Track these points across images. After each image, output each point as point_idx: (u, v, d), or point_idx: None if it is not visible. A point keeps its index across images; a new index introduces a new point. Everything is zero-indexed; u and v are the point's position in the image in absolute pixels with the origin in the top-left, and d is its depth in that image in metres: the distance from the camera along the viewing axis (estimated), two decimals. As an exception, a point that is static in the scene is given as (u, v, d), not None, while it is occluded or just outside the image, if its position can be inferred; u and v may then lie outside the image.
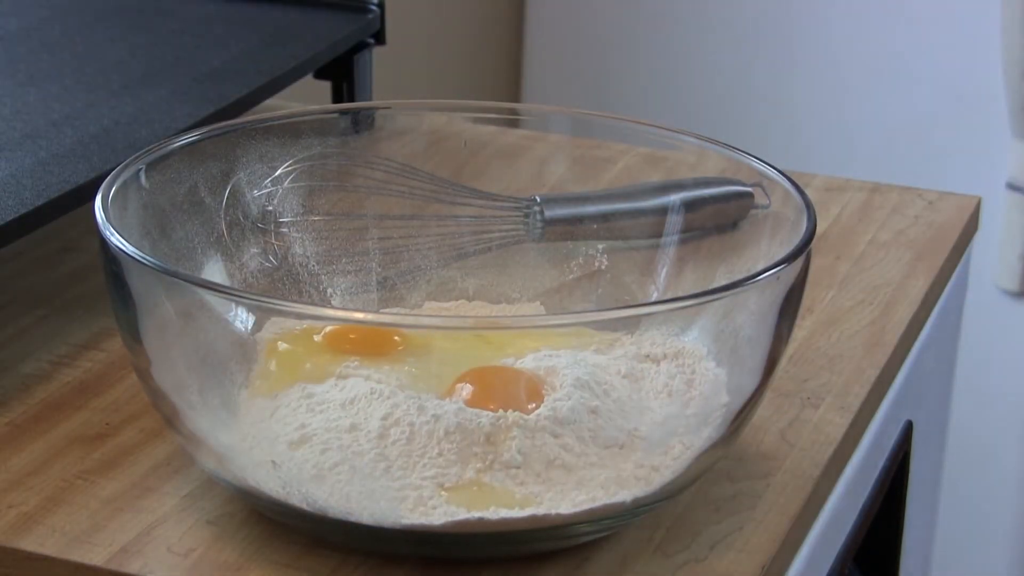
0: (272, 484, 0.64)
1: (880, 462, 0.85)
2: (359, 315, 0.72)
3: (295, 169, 0.78)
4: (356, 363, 0.68)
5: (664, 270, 0.77)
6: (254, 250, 0.77)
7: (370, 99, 1.03)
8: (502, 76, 1.87)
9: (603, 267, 0.79)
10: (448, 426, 0.63)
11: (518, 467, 0.63)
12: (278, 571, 0.64)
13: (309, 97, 1.04)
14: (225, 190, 0.76)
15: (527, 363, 0.69)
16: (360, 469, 0.63)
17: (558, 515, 0.63)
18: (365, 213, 0.80)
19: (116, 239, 0.64)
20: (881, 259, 0.91)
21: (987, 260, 1.61)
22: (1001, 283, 1.64)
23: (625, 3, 1.79)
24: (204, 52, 0.96)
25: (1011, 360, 1.66)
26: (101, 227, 0.65)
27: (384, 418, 0.64)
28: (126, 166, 0.70)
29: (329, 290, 0.78)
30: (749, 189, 0.79)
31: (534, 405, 0.65)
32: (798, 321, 0.71)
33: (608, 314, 0.75)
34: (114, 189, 0.68)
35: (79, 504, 0.67)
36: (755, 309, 0.66)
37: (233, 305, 0.69)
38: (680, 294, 0.75)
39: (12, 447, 0.71)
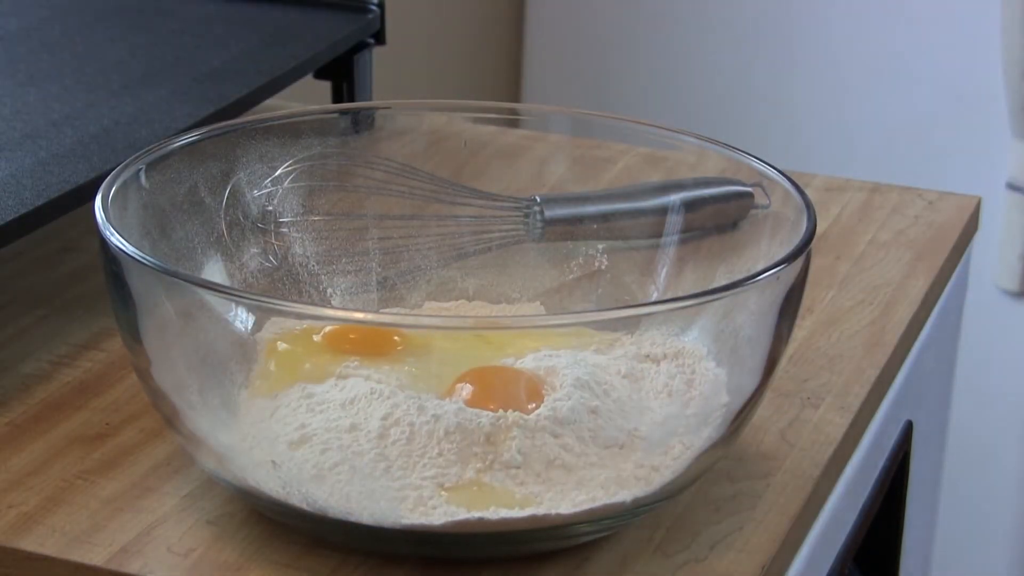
0: (272, 484, 0.64)
1: (880, 462, 0.85)
2: (359, 315, 0.72)
3: (295, 169, 0.78)
4: (356, 363, 0.68)
5: (664, 270, 0.77)
6: (254, 250, 0.77)
7: (370, 99, 1.03)
8: (502, 76, 1.87)
9: (603, 267, 0.79)
10: (448, 426, 0.63)
11: (518, 467, 0.63)
12: (278, 571, 0.64)
13: (309, 97, 1.04)
14: (225, 190, 0.76)
15: (527, 363, 0.69)
16: (360, 469, 0.63)
17: (558, 515, 0.63)
18: (365, 213, 0.80)
19: (116, 239, 0.64)
20: (881, 259, 0.91)
21: (987, 260, 1.61)
22: (1001, 283, 1.64)
23: (625, 3, 1.79)
24: (204, 52, 0.96)
25: (1011, 360, 1.66)
26: (101, 227, 0.65)
27: (384, 418, 0.64)
28: (126, 166, 0.71)
29: (329, 290, 0.78)
30: (749, 189, 0.79)
31: (534, 405, 0.65)
32: (798, 321, 0.71)
33: (608, 314, 0.75)
34: (114, 189, 0.68)
35: (79, 504, 0.67)
36: (755, 309, 0.66)
37: (233, 305, 0.69)
38: (680, 294, 0.75)
39: (12, 447, 0.71)
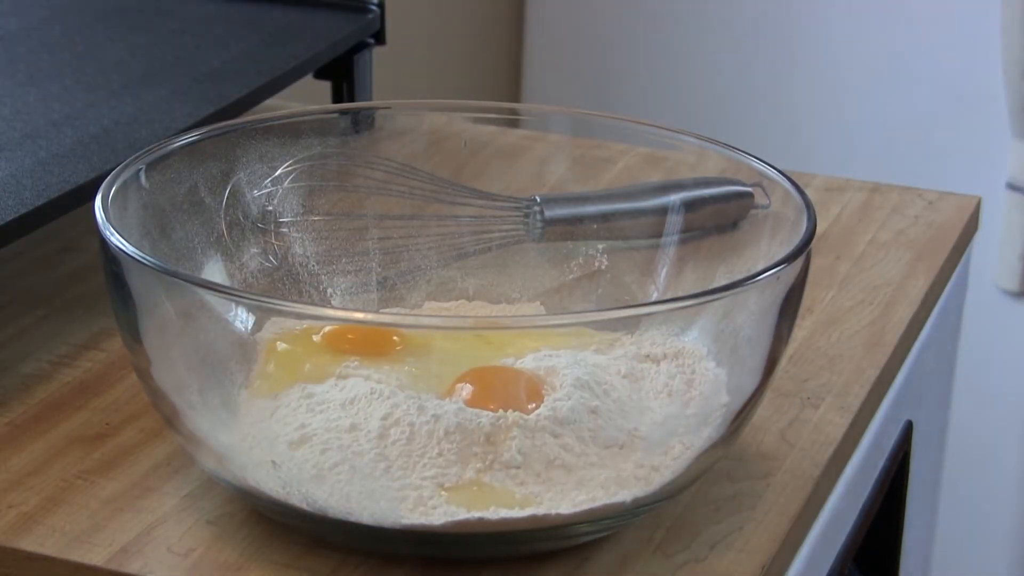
0: (272, 484, 0.64)
1: (880, 462, 0.85)
2: (359, 315, 0.72)
3: (295, 169, 0.78)
4: (356, 363, 0.68)
5: (664, 270, 0.77)
6: (254, 250, 0.77)
7: (370, 99, 1.03)
8: (502, 76, 1.87)
9: (603, 267, 0.79)
10: (448, 426, 0.63)
11: (518, 467, 0.63)
12: (278, 571, 0.64)
13: (309, 97, 1.04)
14: (225, 190, 0.76)
15: (527, 363, 0.69)
16: (360, 469, 0.63)
17: (558, 515, 0.63)
18: (365, 213, 0.80)
19: (116, 239, 0.64)
20: (881, 259, 0.91)
21: (987, 260, 1.61)
22: (1001, 283, 1.64)
23: (625, 3, 1.79)
24: (204, 52, 0.96)
25: (1011, 360, 1.66)
26: (101, 227, 0.65)
27: (384, 418, 0.64)
28: (126, 166, 0.70)
29: (329, 290, 0.78)
30: (749, 189, 0.79)
31: (534, 405, 0.65)
32: (798, 321, 0.71)
33: (608, 314, 0.75)
34: (114, 189, 0.68)
35: (79, 504, 0.67)
36: (755, 309, 0.66)
37: (233, 305, 0.69)
38: (680, 294, 0.75)
39: (12, 447, 0.71)
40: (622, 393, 0.67)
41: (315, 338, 0.70)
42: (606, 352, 0.71)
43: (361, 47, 1.01)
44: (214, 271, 0.74)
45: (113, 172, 0.70)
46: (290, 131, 0.78)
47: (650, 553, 0.66)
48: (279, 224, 0.78)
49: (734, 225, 0.81)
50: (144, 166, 0.71)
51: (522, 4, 1.84)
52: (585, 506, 0.63)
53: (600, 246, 0.80)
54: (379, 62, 1.04)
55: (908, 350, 0.86)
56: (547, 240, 0.82)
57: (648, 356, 0.70)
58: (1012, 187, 1.61)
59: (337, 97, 1.01)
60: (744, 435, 0.71)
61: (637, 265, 0.78)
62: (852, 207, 0.97)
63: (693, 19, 1.77)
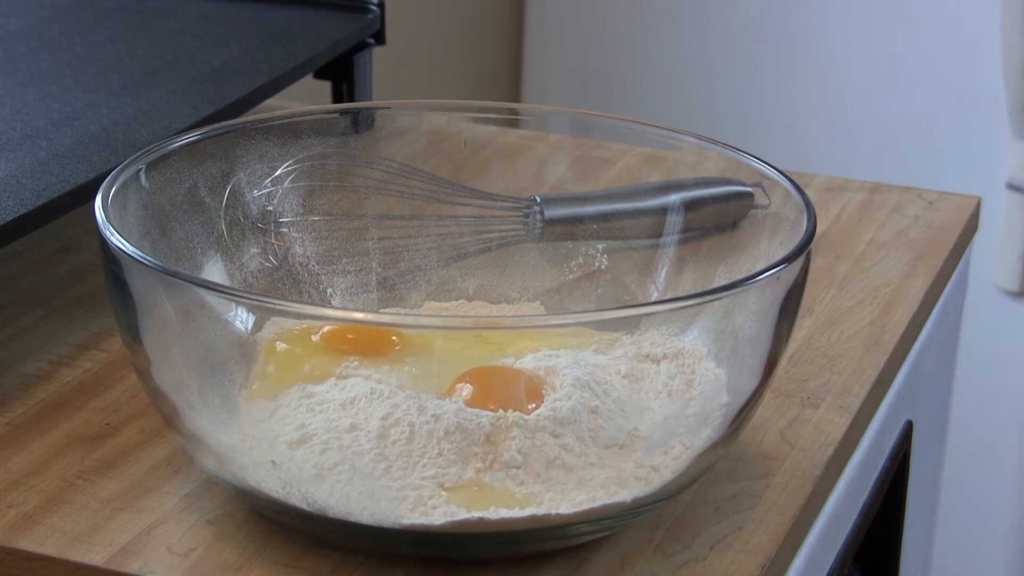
0: (272, 484, 0.64)
1: (880, 462, 0.85)
2: (359, 315, 0.72)
3: (295, 169, 0.78)
4: (356, 363, 0.68)
5: (664, 270, 0.77)
6: (254, 250, 0.77)
7: (370, 99, 1.03)
8: (502, 76, 1.87)
9: (603, 267, 0.79)
10: (448, 426, 0.63)
11: (518, 467, 0.63)
12: (278, 571, 0.64)
13: (309, 97, 1.04)
14: (225, 190, 0.76)
15: (527, 363, 0.69)
16: (360, 469, 0.63)
17: (558, 515, 0.63)
18: (365, 213, 0.80)
19: (116, 239, 0.64)
20: (881, 259, 0.91)
21: (987, 260, 1.61)
22: (1001, 283, 1.64)
23: (625, 3, 1.79)
24: (204, 52, 0.96)
25: (1011, 360, 1.66)
26: (101, 227, 0.65)
27: (384, 418, 0.64)
28: (126, 166, 0.71)
29: (329, 290, 0.78)
30: (749, 189, 0.79)
31: (534, 405, 0.65)
32: (798, 321, 0.71)
33: (608, 314, 0.75)
34: (114, 189, 0.68)
35: (79, 504, 0.67)
36: (755, 309, 0.66)
37: (233, 305, 0.69)
38: (680, 294, 0.75)
39: (12, 447, 0.71)
40: (622, 393, 0.67)
41: (314, 338, 0.70)
42: (606, 352, 0.71)
43: (361, 47, 1.01)
44: (214, 271, 0.74)
45: (113, 172, 0.70)
46: (290, 131, 0.78)
47: (650, 553, 0.66)
48: (279, 224, 0.78)
49: (734, 225, 0.81)
50: (144, 166, 0.71)
51: (522, 4, 1.85)
52: (585, 506, 0.63)
53: (600, 246, 0.80)
54: (379, 62, 1.04)
55: (908, 350, 0.86)
56: (547, 240, 0.82)
57: (648, 356, 0.70)
58: (1012, 187, 1.61)
59: (337, 97, 1.01)
60: (744, 435, 0.71)
61: (637, 265, 0.78)
62: (852, 207, 0.97)
63: (693, 19, 1.77)
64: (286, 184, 0.78)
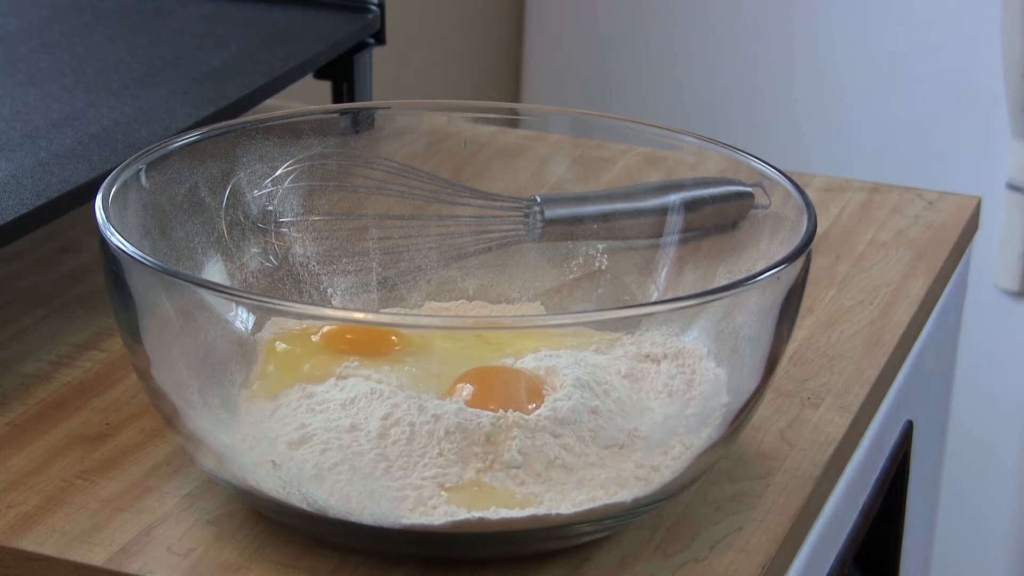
0: (272, 484, 0.64)
1: (880, 462, 0.85)
2: (359, 315, 0.72)
3: (295, 169, 0.78)
4: (356, 363, 0.68)
5: (664, 270, 0.77)
6: (254, 250, 0.77)
7: (370, 99, 1.03)
8: (502, 76, 1.87)
9: (603, 267, 0.79)
10: (448, 426, 0.63)
11: (518, 467, 0.63)
12: (278, 571, 0.64)
13: (309, 97, 1.04)
14: (225, 190, 0.76)
15: (527, 363, 0.69)
16: (360, 469, 0.63)
17: (558, 515, 0.63)
18: (365, 213, 0.80)
19: (116, 239, 0.64)
20: (881, 259, 0.91)
21: (987, 260, 1.61)
22: (1001, 283, 1.64)
23: (625, 3, 1.79)
24: (204, 52, 0.96)
25: (1011, 360, 1.66)
26: (101, 227, 0.65)
27: (384, 418, 0.64)
28: (126, 166, 0.70)
29: (329, 290, 0.78)
30: (749, 189, 0.79)
31: (534, 405, 0.65)
32: (798, 321, 0.71)
33: (608, 314, 0.75)
34: (114, 189, 0.68)
35: (79, 504, 0.67)
36: (755, 309, 0.66)
37: (233, 305, 0.69)
38: (680, 294, 0.75)
39: (12, 447, 0.71)
40: (622, 393, 0.67)
41: (314, 338, 0.70)
42: (606, 352, 0.71)
43: (361, 47, 1.01)
44: (214, 271, 0.74)
45: (113, 172, 0.70)
46: (290, 131, 0.78)
47: (650, 553, 0.66)
48: (279, 224, 0.78)
49: (734, 225, 0.81)
50: (144, 166, 0.71)
51: (522, 4, 1.85)
52: (585, 506, 0.63)
53: (600, 246, 0.80)
54: (379, 62, 1.04)
55: (908, 350, 0.86)
56: (547, 240, 0.82)
57: (648, 356, 0.70)
58: (1012, 187, 1.61)
59: (337, 97, 1.01)
60: (744, 435, 0.71)
61: (637, 265, 0.78)
62: (852, 207, 0.97)
63: (693, 19, 1.77)
64: (286, 184, 0.78)
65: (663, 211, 0.79)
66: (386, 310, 0.78)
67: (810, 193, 0.73)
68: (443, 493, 0.63)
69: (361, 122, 0.81)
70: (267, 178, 0.77)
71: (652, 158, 0.84)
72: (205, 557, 0.65)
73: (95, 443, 0.71)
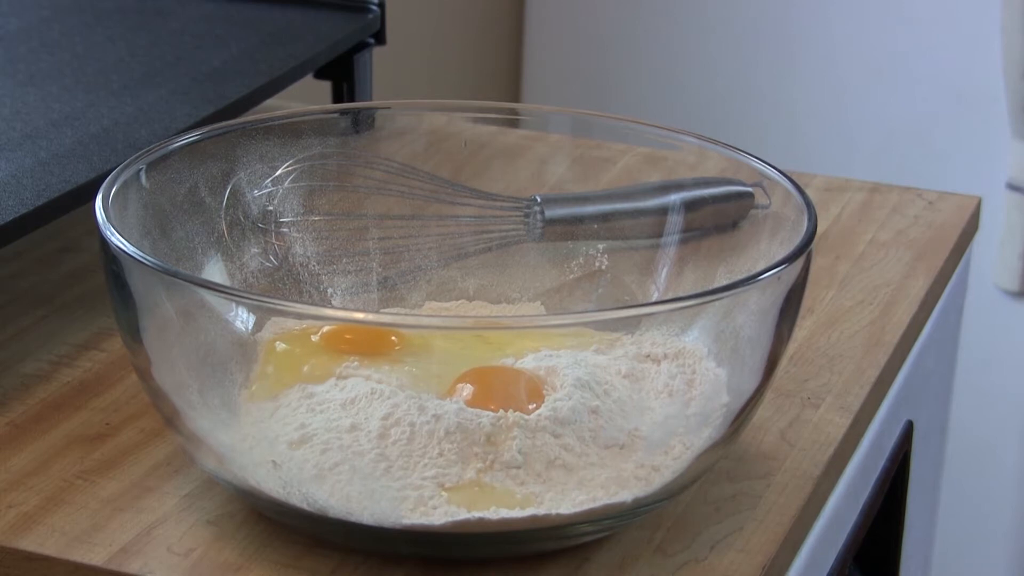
0: (272, 484, 0.64)
1: (880, 462, 0.85)
2: (359, 315, 0.72)
3: (295, 169, 0.78)
4: (356, 363, 0.68)
5: (664, 270, 0.77)
6: (254, 250, 0.77)
7: (370, 99, 1.03)
8: (502, 76, 1.87)
9: (603, 267, 0.79)
10: (449, 426, 0.63)
11: (519, 467, 0.63)
12: (278, 571, 0.64)
13: (309, 97, 1.04)
14: (225, 190, 0.76)
15: (527, 363, 0.69)
16: (360, 469, 0.63)
17: (558, 515, 0.63)
18: (365, 213, 0.80)
19: (116, 239, 0.64)
20: (881, 259, 0.91)
21: (987, 260, 1.61)
22: (1001, 283, 1.64)
23: (625, 3, 1.79)
24: (204, 52, 0.96)
25: (1011, 360, 1.66)
26: (101, 227, 0.65)
27: (384, 418, 0.64)
28: (126, 166, 0.70)
29: (329, 290, 0.78)
30: (749, 189, 0.79)
31: (534, 405, 0.65)
32: (798, 321, 0.71)
33: (608, 314, 0.75)
34: (114, 189, 0.68)
35: (79, 504, 0.67)
36: (756, 309, 0.66)
37: (233, 305, 0.69)
38: (680, 294, 0.75)
39: (12, 447, 0.71)
40: (622, 393, 0.67)
41: (314, 338, 0.70)
42: (606, 352, 0.71)
43: (361, 47, 1.01)
44: (214, 271, 0.74)
45: (113, 172, 0.70)
46: (290, 131, 0.78)
47: (650, 553, 0.66)
48: (279, 224, 0.78)
49: (734, 225, 0.81)
50: (144, 166, 0.71)
51: (522, 4, 1.85)
52: (585, 506, 0.63)
53: (600, 246, 0.80)
54: (379, 62, 1.04)
55: (908, 350, 0.86)
56: (547, 240, 0.82)
57: (648, 356, 0.70)
58: (1012, 187, 1.61)
59: (337, 97, 1.01)
60: (744, 435, 0.71)
61: (637, 265, 0.78)
62: (852, 207, 0.97)
63: (693, 19, 1.77)
64: (286, 184, 0.78)
65: (663, 211, 0.79)
66: (386, 310, 0.78)
67: (810, 193, 0.73)
68: (443, 493, 0.63)
69: (361, 122, 0.81)
70: (267, 178, 0.77)
71: (652, 158, 0.84)
72: (205, 557, 0.65)
73: (95, 443, 0.71)
